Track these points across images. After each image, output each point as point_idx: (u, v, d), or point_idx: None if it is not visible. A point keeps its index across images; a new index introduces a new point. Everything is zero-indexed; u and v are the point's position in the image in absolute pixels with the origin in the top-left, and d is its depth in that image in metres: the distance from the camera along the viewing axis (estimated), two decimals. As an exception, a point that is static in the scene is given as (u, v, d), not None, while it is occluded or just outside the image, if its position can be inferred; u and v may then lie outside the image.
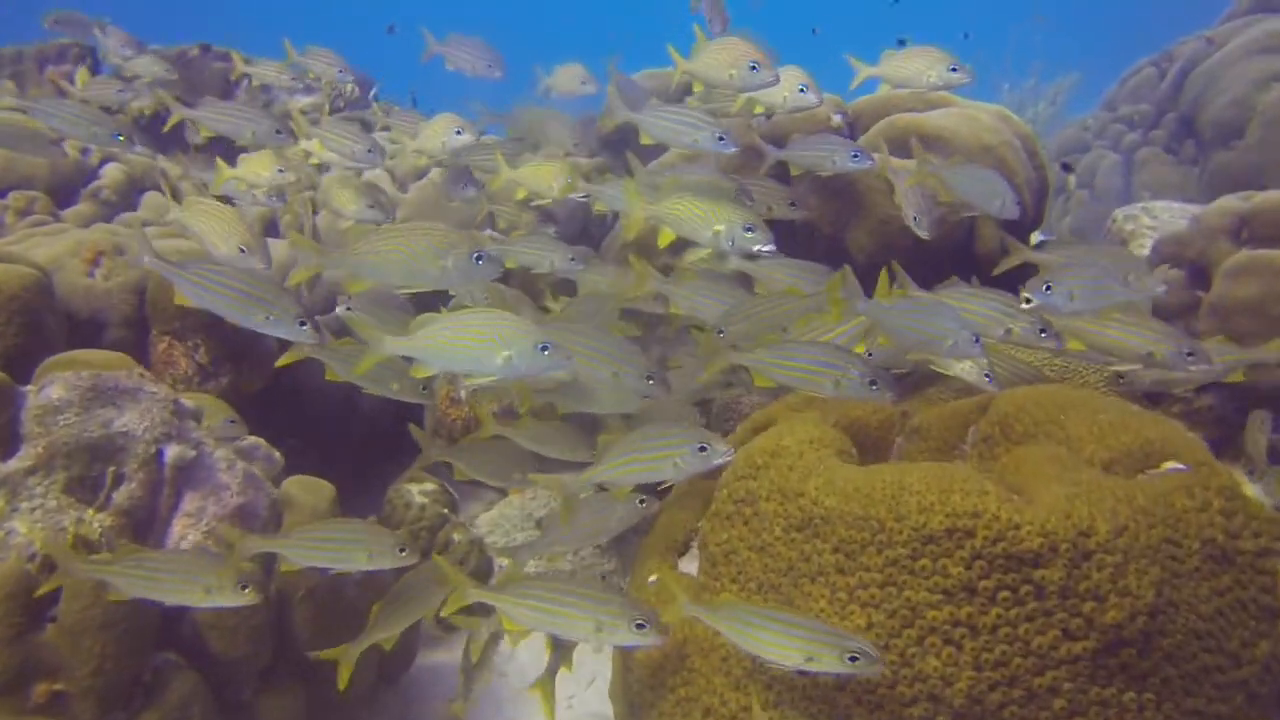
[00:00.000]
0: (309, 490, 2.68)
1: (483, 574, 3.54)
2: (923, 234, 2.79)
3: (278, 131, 3.06)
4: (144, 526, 2.43)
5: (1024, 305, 2.26)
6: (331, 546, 2.14)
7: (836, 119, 3.46)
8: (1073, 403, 2.05)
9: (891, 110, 3.39)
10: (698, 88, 3.03)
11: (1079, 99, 12.02)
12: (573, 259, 3.20)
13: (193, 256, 3.20)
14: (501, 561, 3.61)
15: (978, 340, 2.15)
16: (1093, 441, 1.91)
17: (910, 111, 3.43)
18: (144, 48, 5.16)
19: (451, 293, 3.02)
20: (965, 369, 2.46)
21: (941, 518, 1.67)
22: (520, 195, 3.28)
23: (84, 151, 4.06)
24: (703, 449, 1.95)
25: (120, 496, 2.37)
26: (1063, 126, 10.55)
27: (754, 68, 2.72)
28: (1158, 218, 4.28)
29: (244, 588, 2.03)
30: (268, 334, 2.31)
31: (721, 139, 2.67)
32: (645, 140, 2.87)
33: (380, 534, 2.17)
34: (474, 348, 2.03)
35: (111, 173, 4.07)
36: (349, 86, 6.55)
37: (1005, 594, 1.62)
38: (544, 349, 2.00)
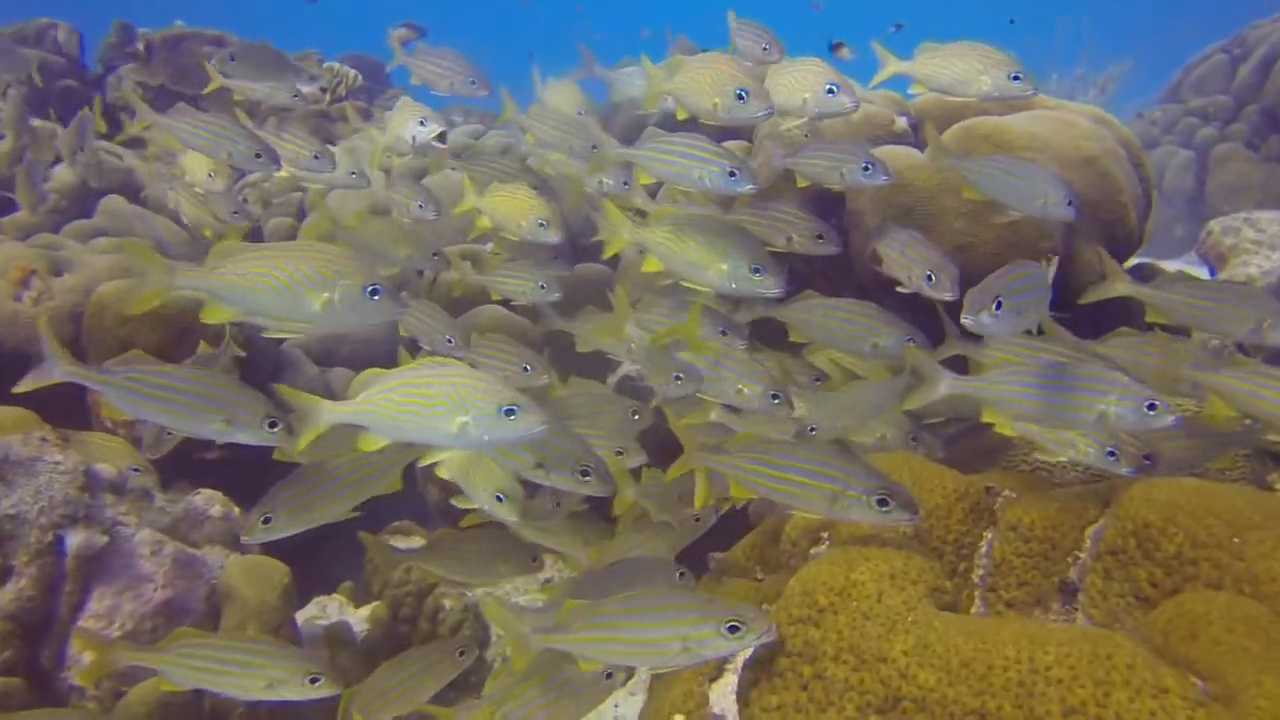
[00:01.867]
0: (255, 578, 2.18)
1: (479, 642, 3.06)
2: (946, 295, 2.24)
3: (258, 155, 2.56)
4: (38, 632, 1.95)
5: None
6: (222, 668, 1.66)
7: (901, 122, 2.90)
8: (1251, 516, 1.51)
9: (966, 112, 2.84)
10: (680, 113, 2.47)
11: (1132, 87, 11.34)
12: (543, 286, 2.78)
13: (122, 289, 2.72)
14: (498, 631, 3.12)
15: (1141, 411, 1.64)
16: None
17: (987, 114, 2.88)
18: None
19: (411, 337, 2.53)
20: (1084, 452, 1.91)
21: (1099, 728, 1.14)
22: (483, 225, 2.78)
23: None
24: (733, 627, 1.41)
25: (5, 597, 1.89)
26: (1115, 114, 9.83)
27: (741, 96, 2.18)
28: (1264, 231, 3.68)
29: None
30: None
31: (734, 174, 2.14)
32: (642, 179, 2.35)
33: (289, 659, 1.70)
34: (424, 413, 1.65)
35: (62, 175, 3.59)
36: (352, 74, 6.04)
37: None
38: (509, 412, 1.62)
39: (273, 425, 1.80)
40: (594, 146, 2.64)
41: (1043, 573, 1.88)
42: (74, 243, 3.18)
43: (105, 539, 2.02)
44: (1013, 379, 1.84)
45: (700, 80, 2.25)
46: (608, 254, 2.52)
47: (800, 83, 2.33)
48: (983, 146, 2.60)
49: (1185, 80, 8.31)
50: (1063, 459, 2.02)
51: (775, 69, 2.42)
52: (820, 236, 2.53)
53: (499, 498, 1.93)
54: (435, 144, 2.80)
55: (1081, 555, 1.81)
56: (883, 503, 1.57)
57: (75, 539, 1.96)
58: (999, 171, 2.32)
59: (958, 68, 2.35)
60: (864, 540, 1.70)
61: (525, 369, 2.45)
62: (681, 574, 2.20)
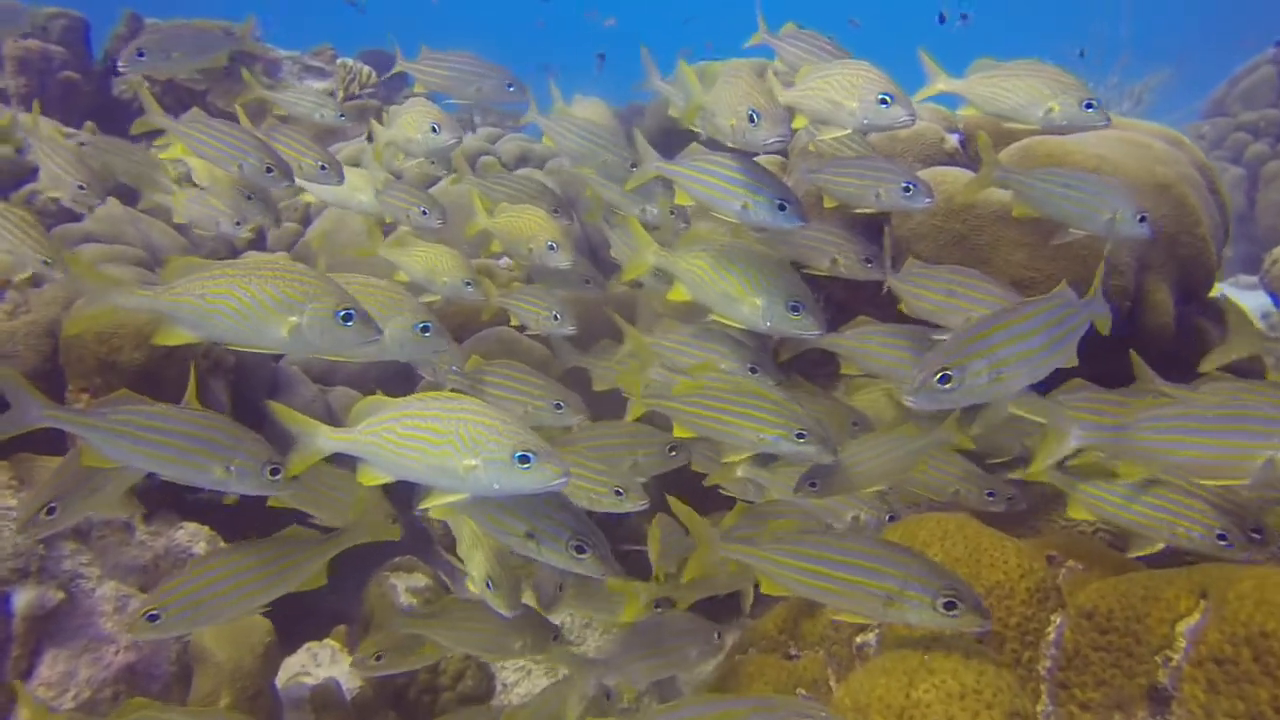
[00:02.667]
0: (230, 639, 1.96)
1: (482, 695, 2.83)
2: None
3: (269, 170, 2.36)
4: (-18, 703, 1.73)
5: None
6: None
7: (951, 140, 2.65)
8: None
9: (1024, 129, 2.58)
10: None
11: (1170, 98, 11.00)
12: (557, 317, 2.54)
13: (126, 328, 2.50)
14: (504, 680, 2.90)
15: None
16: None
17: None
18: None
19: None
20: (1187, 537, 1.66)
21: None
22: (494, 248, 2.55)
23: (20, 150, 3.37)
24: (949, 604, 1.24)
25: (-58, 667, 1.67)
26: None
27: (754, 119, 1.90)
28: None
29: None
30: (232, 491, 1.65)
31: (783, 207, 1.90)
32: (681, 199, 2.11)
33: None
34: (429, 451, 1.49)
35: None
36: (365, 71, 5.82)
37: None
38: (524, 459, 1.45)
39: (274, 472, 1.62)
40: (633, 165, 2.43)
41: (1125, 672, 1.63)
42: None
43: (60, 595, 1.80)
44: (1167, 422, 1.58)
45: (722, 96, 2.00)
46: (626, 277, 2.29)
47: (847, 87, 2.04)
48: (1047, 166, 2.34)
49: (1230, 93, 7.99)
50: (1157, 547, 1.76)
51: (818, 69, 2.14)
52: (868, 260, 2.29)
53: (489, 584, 1.71)
54: (447, 149, 2.56)
55: (1174, 657, 1.56)
56: (950, 605, 1.33)
57: (23, 597, 1.75)
58: (1058, 184, 2.08)
59: (1021, 91, 2.08)
60: (923, 642, 1.46)
61: (557, 406, 2.21)
62: (719, 635, 2.00)
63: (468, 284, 2.52)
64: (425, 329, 1.87)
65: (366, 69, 5.86)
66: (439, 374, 2.35)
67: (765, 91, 1.94)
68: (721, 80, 2.01)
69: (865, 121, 2.03)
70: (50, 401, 1.60)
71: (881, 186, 2.09)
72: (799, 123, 2.12)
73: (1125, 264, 2.29)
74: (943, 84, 2.17)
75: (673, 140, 4.05)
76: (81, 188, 2.61)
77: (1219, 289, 2.65)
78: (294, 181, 2.44)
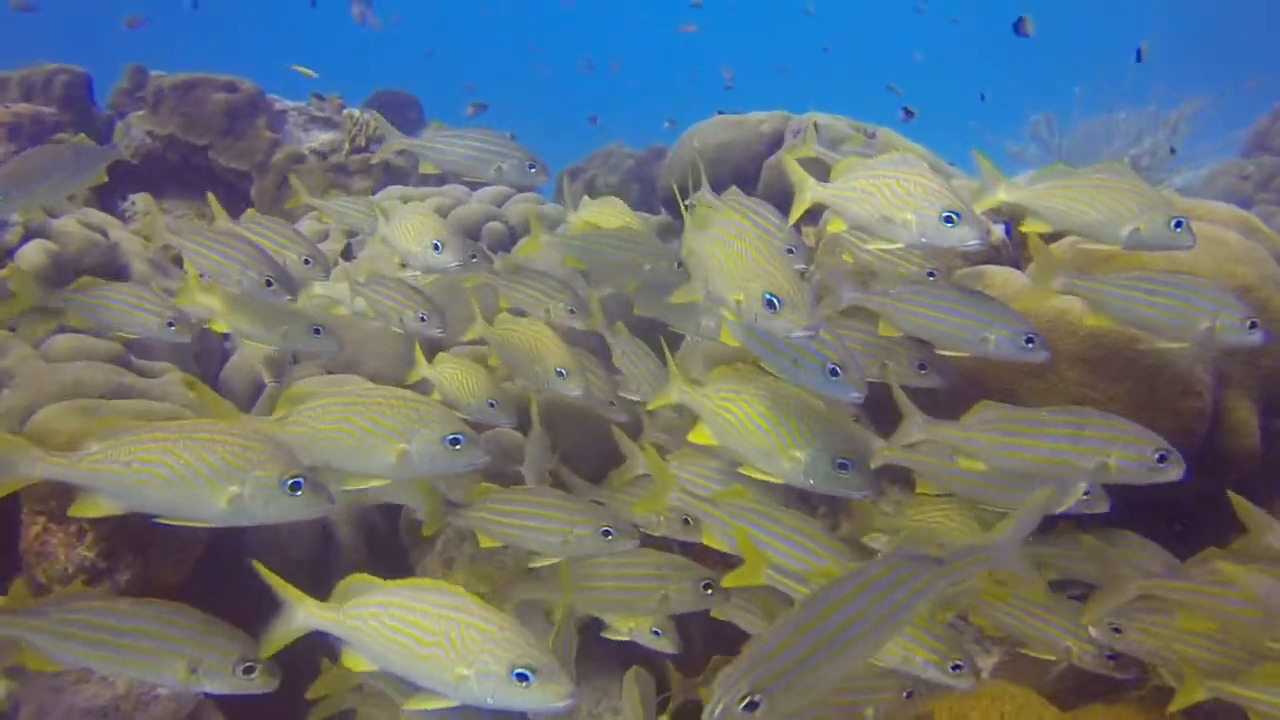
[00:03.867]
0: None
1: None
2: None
3: (269, 284, 2.17)
4: None
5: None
6: None
7: (998, 231, 2.37)
8: None
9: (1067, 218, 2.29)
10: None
11: (1209, 126, 10.63)
12: (572, 310, 2.40)
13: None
14: None
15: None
16: None
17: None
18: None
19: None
20: None
21: None
22: (493, 363, 2.32)
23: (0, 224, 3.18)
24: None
25: None
26: (1191, 161, 9.22)
27: (773, 305, 1.52)
28: None
29: None
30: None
31: (835, 374, 1.61)
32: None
33: None
34: (416, 652, 1.38)
35: (30, 255, 3.17)
36: (371, 123, 5.62)
37: None
38: (522, 677, 1.34)
39: (248, 671, 1.51)
40: (677, 263, 2.21)
41: None
42: (22, 345, 2.75)
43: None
44: None
45: (719, 266, 1.63)
46: (650, 408, 2.05)
47: (902, 195, 1.73)
48: (1104, 270, 2.07)
49: (1275, 126, 7.66)
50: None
51: (863, 166, 1.83)
52: (923, 366, 2.03)
53: None
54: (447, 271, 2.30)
55: None
56: None
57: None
58: (1141, 289, 1.80)
59: (1102, 206, 1.81)
60: None
61: (605, 533, 1.92)
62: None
63: (491, 404, 2.28)
64: (456, 441, 1.67)
65: (372, 120, 5.66)
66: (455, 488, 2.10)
67: (779, 257, 1.58)
68: (715, 238, 1.64)
69: (923, 240, 1.72)
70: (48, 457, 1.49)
71: (991, 332, 1.80)
72: (835, 226, 1.86)
73: (1201, 381, 2.01)
74: (1004, 193, 1.89)
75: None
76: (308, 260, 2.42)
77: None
78: (297, 295, 2.23)
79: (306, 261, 2.44)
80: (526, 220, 4.14)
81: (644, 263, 2.30)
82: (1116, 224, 1.79)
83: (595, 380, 2.30)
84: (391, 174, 5.38)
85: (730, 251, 1.58)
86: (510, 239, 4.04)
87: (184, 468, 1.44)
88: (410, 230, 2.25)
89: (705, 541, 1.80)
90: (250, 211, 2.51)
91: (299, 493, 1.47)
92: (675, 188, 2.43)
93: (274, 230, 2.46)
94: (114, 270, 3.56)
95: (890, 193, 1.72)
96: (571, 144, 7.46)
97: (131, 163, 5.47)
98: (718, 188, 4.21)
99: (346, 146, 5.51)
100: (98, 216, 3.79)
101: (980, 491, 1.83)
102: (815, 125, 3.49)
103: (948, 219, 1.67)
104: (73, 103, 5.43)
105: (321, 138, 5.62)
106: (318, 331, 2.33)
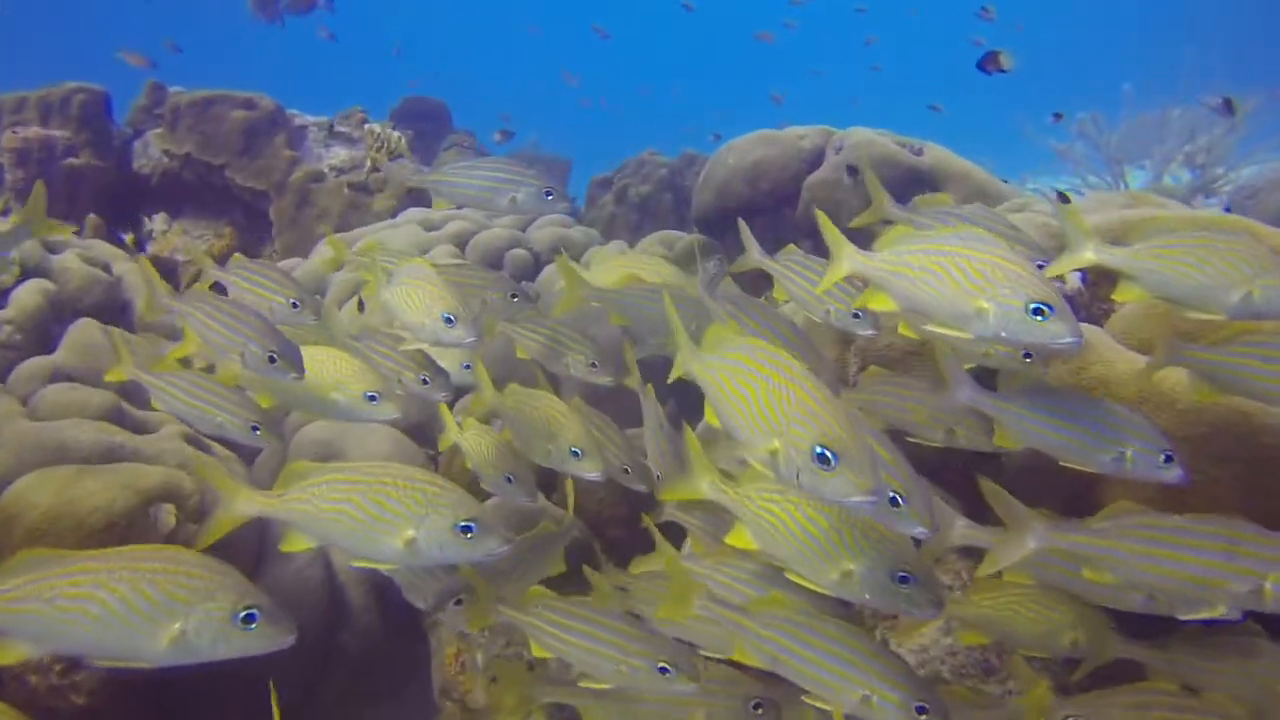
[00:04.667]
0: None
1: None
2: None
3: (271, 360, 1.96)
4: None
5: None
6: None
7: (1074, 279, 2.09)
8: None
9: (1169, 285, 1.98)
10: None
11: (1266, 126, 10.18)
12: (594, 365, 2.25)
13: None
14: None
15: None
16: None
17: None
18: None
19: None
20: None
21: None
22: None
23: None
24: None
25: None
26: (1248, 159, 8.80)
27: (825, 459, 1.22)
28: None
29: None
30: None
31: (900, 503, 1.33)
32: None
33: None
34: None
35: (24, 298, 2.99)
36: (395, 136, 5.43)
37: None
38: (466, 530, 1.50)
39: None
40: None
41: None
42: (8, 399, 2.57)
43: None
44: None
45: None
46: (665, 497, 1.80)
47: (972, 277, 1.42)
48: (1210, 336, 1.79)
49: (1344, 127, 7.24)
50: None
51: (923, 237, 1.53)
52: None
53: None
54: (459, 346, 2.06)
55: None
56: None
57: None
58: (1258, 357, 1.54)
59: (1210, 270, 1.53)
60: None
61: (662, 670, 1.69)
62: None
63: (509, 478, 2.06)
64: (468, 529, 1.53)
65: (396, 135, 5.47)
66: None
67: (827, 394, 1.27)
68: (734, 367, 1.35)
69: (1003, 335, 1.40)
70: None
71: (1128, 448, 1.52)
72: (879, 303, 1.57)
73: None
74: (1093, 253, 1.60)
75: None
76: (296, 304, 2.20)
77: None
78: (302, 373, 2.00)
79: (294, 305, 2.24)
80: (553, 245, 3.92)
81: (690, 322, 2.07)
82: (1227, 289, 1.52)
83: (612, 449, 2.07)
84: (413, 194, 5.17)
85: (757, 388, 1.30)
86: (535, 266, 3.81)
87: (116, 603, 1.27)
88: (416, 299, 1.99)
89: (736, 657, 1.57)
90: (236, 257, 2.29)
91: (254, 625, 1.30)
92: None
93: (260, 275, 2.25)
94: (116, 308, 3.39)
95: (959, 273, 1.41)
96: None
97: (149, 181, 5.34)
98: (755, 209, 4.00)
99: (368, 164, 5.32)
100: (102, 249, 3.62)
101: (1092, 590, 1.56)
102: (865, 158, 3.22)
103: (1036, 311, 1.37)
104: (90, 122, 5.29)
105: (342, 154, 5.44)
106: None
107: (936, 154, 3.87)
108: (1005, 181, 4.05)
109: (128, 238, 4.56)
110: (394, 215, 4.76)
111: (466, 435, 2.14)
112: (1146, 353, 1.85)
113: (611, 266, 2.28)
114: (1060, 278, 1.59)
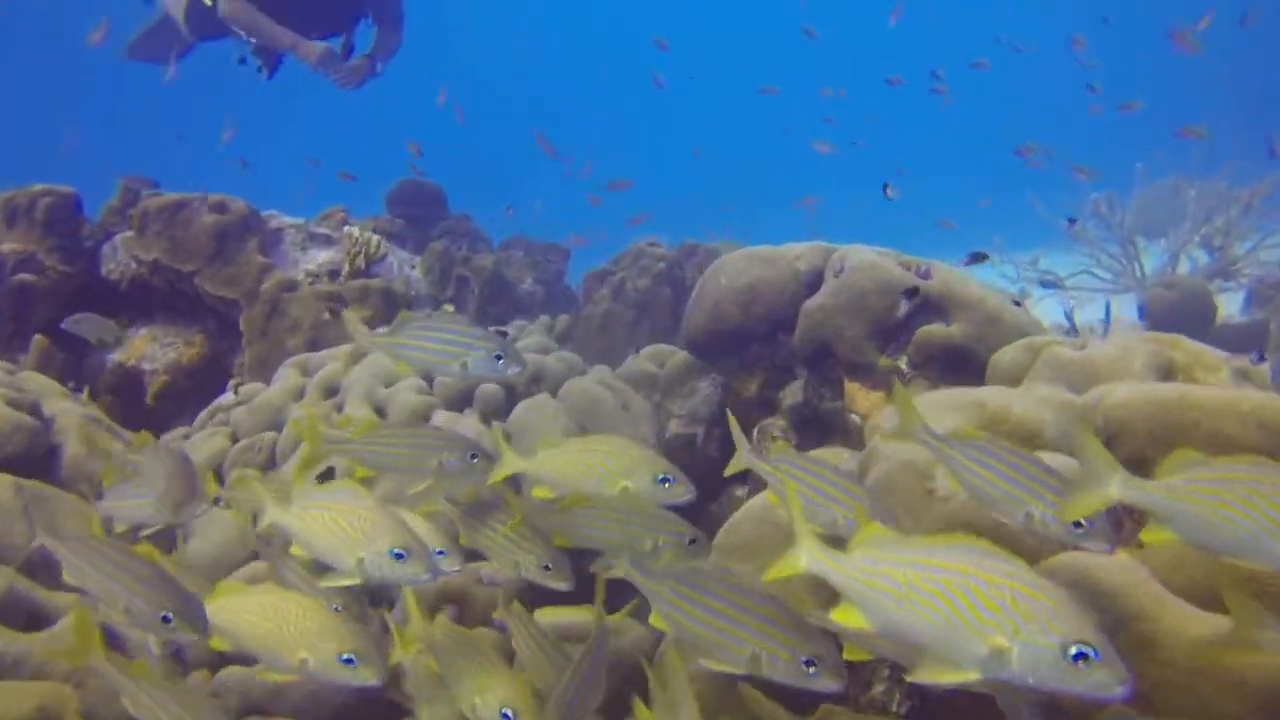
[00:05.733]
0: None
1: None
2: None
3: (165, 619, 1.59)
4: None
5: None
6: None
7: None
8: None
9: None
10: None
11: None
12: (547, 567, 1.94)
13: None
14: None
15: None
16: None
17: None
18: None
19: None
20: None
21: None
22: None
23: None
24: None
25: None
26: (1267, 240, 8.58)
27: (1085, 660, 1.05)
28: None
29: None
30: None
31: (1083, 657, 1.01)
32: None
33: None
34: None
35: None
36: (374, 241, 5.18)
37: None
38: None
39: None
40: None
41: None
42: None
43: None
44: None
45: None
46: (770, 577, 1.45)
47: (980, 604, 1.10)
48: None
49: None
50: None
51: (892, 542, 1.20)
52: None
53: None
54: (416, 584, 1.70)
55: None
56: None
57: None
58: None
59: (1256, 515, 1.19)
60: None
61: None
62: None
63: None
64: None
65: (375, 239, 5.21)
66: None
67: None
68: None
69: (1030, 680, 1.08)
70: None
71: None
72: (849, 618, 1.21)
73: None
74: (1117, 490, 1.22)
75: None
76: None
77: None
78: (205, 632, 1.61)
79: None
80: (528, 376, 3.61)
81: (646, 539, 1.74)
82: (1275, 538, 1.18)
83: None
84: (392, 301, 4.89)
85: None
86: (508, 401, 3.50)
87: None
88: (348, 529, 1.62)
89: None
90: (141, 434, 1.98)
91: None
92: None
93: (161, 460, 1.94)
94: (41, 454, 3.07)
95: (961, 597, 1.08)
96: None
97: (119, 286, 5.08)
98: (749, 335, 3.69)
99: (346, 269, 5.06)
100: (36, 384, 3.33)
101: None
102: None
103: (1078, 656, 1.04)
104: (56, 226, 5.05)
105: (321, 257, 5.18)
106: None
107: (944, 276, 3.55)
108: (1017, 302, 3.73)
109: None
110: (371, 326, 4.48)
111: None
112: (1200, 598, 1.51)
113: (560, 463, 1.92)
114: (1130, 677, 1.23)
